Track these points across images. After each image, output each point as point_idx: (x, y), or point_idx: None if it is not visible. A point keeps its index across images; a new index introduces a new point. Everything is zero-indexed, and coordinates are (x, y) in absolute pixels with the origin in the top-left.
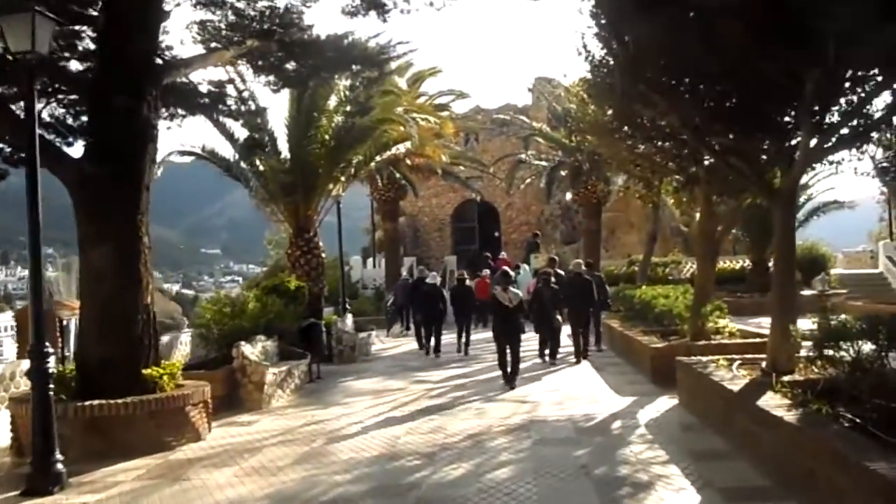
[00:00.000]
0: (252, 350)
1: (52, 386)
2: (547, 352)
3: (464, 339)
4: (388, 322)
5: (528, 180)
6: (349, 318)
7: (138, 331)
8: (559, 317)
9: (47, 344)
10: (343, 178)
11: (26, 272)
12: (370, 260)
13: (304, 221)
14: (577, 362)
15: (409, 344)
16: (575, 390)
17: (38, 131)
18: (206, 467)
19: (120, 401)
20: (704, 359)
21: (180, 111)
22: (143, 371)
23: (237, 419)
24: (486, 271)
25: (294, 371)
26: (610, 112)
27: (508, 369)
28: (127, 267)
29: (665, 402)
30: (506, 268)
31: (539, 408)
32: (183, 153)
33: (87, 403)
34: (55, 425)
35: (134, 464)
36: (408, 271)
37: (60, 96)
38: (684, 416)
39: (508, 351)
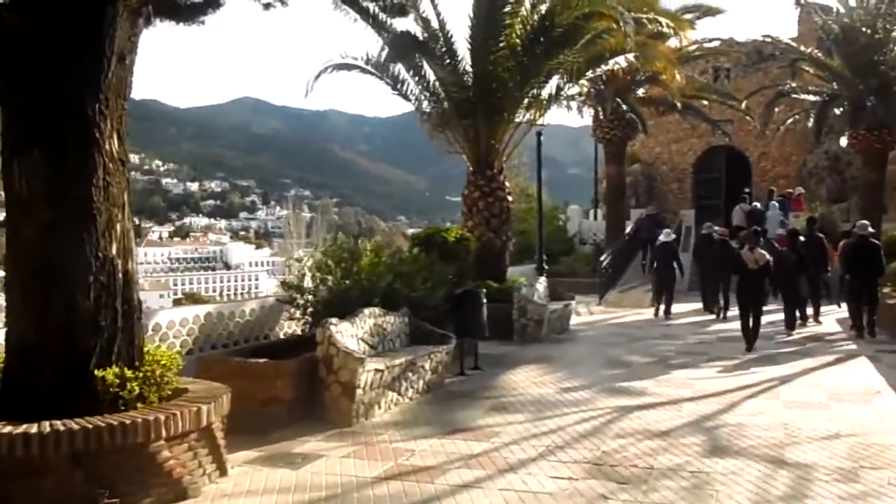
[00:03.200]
0: (352, 330)
1: None
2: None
3: (721, 303)
4: (602, 287)
5: (790, 121)
6: (541, 282)
7: (86, 300)
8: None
9: None
10: (543, 98)
11: (285, 212)
12: (592, 212)
13: (486, 153)
14: (859, 336)
15: (624, 315)
16: (868, 430)
17: None
18: None
19: (18, 430)
20: None
21: None
22: (98, 372)
23: (292, 447)
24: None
25: (422, 363)
26: None
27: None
28: (70, 191)
29: None
30: (757, 227)
31: (808, 482)
32: (341, 66)
33: None
34: None
35: None
36: (643, 215)
37: None
38: None
39: (751, 317)
